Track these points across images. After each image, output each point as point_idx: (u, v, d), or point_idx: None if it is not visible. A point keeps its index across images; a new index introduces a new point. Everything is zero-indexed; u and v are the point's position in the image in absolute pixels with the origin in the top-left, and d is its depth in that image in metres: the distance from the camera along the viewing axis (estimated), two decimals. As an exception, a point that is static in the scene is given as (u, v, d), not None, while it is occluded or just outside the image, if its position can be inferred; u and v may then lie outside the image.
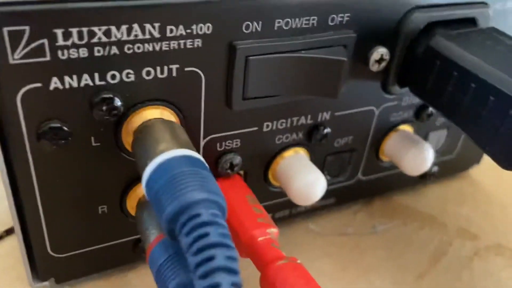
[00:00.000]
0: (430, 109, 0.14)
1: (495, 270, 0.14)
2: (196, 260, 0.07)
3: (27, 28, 0.08)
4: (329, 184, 0.14)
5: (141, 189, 0.11)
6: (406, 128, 0.15)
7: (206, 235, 0.07)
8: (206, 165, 0.09)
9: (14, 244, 0.13)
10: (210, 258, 0.07)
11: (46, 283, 0.12)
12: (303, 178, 0.12)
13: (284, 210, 0.14)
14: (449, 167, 0.17)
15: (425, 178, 0.16)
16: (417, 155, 0.14)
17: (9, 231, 0.14)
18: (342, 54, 0.11)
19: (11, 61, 0.08)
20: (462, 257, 0.15)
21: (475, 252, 0.15)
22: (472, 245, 0.15)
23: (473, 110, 0.11)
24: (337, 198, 0.15)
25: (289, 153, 0.13)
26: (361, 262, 0.14)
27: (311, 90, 0.11)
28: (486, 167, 0.18)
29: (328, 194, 0.15)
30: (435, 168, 0.16)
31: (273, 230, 0.11)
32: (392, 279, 0.13)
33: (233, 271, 0.07)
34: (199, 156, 0.09)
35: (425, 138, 0.15)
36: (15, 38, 0.08)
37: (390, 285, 0.13)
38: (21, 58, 0.08)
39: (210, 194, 0.08)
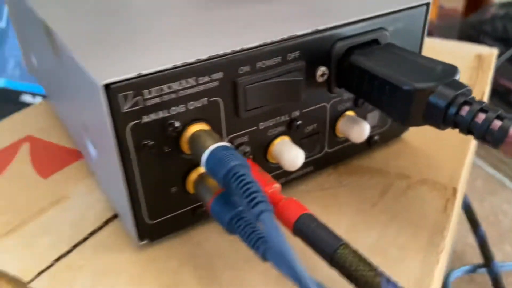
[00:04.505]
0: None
1: (421, 194, 0.21)
2: (247, 199, 0.13)
3: (130, 92, 0.15)
4: (307, 157, 0.21)
5: (193, 176, 0.17)
6: (350, 113, 0.21)
7: (248, 182, 0.14)
8: (234, 147, 0.15)
9: (115, 227, 0.19)
10: (255, 197, 0.13)
11: (145, 242, 0.18)
12: (290, 152, 0.18)
13: (281, 178, 0.21)
14: (386, 135, 0.23)
15: (371, 145, 0.23)
16: (358, 129, 0.20)
17: (108, 221, 0.20)
18: (299, 76, 0.18)
19: (122, 110, 0.15)
20: (400, 190, 0.21)
21: (408, 186, 0.21)
22: (406, 182, 0.22)
23: (379, 95, 0.18)
24: (314, 166, 0.22)
25: (277, 140, 0.19)
26: (336, 203, 0.20)
27: (285, 99, 0.18)
28: (413, 132, 0.24)
29: (307, 164, 0.21)
30: (377, 137, 0.23)
31: (277, 185, 0.17)
32: (356, 209, 0.20)
33: (267, 201, 0.13)
34: (228, 144, 0.15)
35: (365, 118, 0.22)
36: (124, 98, 0.15)
37: (355, 211, 0.20)
38: (127, 108, 0.15)
39: (241, 161, 0.14)
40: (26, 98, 0.74)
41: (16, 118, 0.29)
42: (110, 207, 0.20)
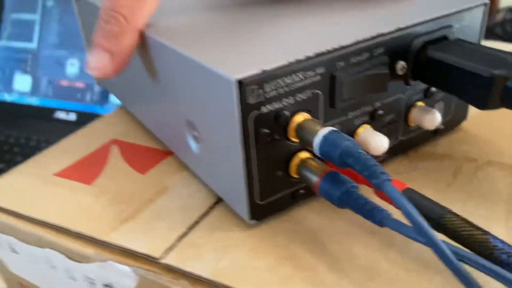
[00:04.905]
0: (432, 89, 0.23)
1: (490, 174, 0.23)
2: (367, 172, 0.15)
3: (255, 86, 0.17)
4: (383, 145, 0.23)
5: (296, 160, 0.20)
6: (420, 103, 0.23)
7: (366, 158, 0.16)
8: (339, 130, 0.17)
9: (220, 211, 0.21)
10: (375, 169, 0.15)
11: (254, 221, 0.20)
12: (376, 138, 0.21)
13: (362, 164, 0.23)
14: (449, 124, 0.25)
15: (437, 132, 0.25)
16: (431, 118, 0.22)
17: (212, 206, 0.22)
18: (384, 69, 0.20)
19: (249, 102, 0.17)
20: (470, 171, 0.23)
21: (477, 167, 0.23)
22: (474, 164, 0.24)
23: (457, 84, 0.20)
24: (389, 153, 0.24)
25: (361, 129, 0.21)
26: (414, 185, 0.22)
27: (373, 90, 0.20)
28: (471, 121, 0.26)
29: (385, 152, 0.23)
30: (442, 126, 0.25)
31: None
32: (433, 189, 0.22)
33: (385, 172, 0.15)
34: (336, 128, 0.17)
35: (432, 107, 0.24)
36: (251, 91, 0.17)
37: (433, 191, 0.22)
38: (252, 100, 0.17)
39: (352, 141, 0.17)
40: (60, 115, 0.77)
41: (96, 126, 0.31)
42: (210, 195, 0.22)
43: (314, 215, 0.21)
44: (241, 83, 0.17)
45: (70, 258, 0.21)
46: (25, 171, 0.26)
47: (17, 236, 0.22)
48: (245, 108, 0.17)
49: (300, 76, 0.18)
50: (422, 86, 0.23)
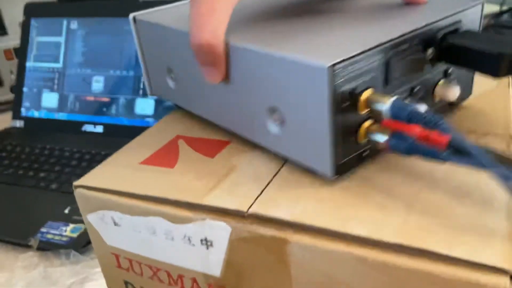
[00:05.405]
0: (449, 71, 0.29)
1: (489, 142, 0.29)
2: (431, 123, 0.21)
3: (340, 70, 0.22)
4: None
5: (363, 128, 0.25)
6: (442, 82, 0.30)
7: (427, 114, 0.22)
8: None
9: (283, 177, 0.27)
10: (437, 120, 0.21)
11: (336, 177, 0.25)
12: (420, 107, 0.26)
13: (403, 132, 0.29)
14: (459, 99, 0.32)
15: (452, 105, 0.31)
16: (454, 90, 0.29)
17: (275, 175, 0.27)
18: (420, 54, 0.26)
19: (335, 83, 0.23)
20: (472, 140, 0.29)
21: (477, 138, 0.30)
22: (475, 135, 0.30)
23: (475, 60, 0.26)
24: (420, 123, 0.30)
25: (403, 103, 0.27)
26: (444, 144, 0.28)
27: (414, 70, 0.26)
28: (473, 98, 0.33)
29: (417, 122, 0.29)
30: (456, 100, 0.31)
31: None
32: (461, 145, 0.28)
33: (444, 120, 0.21)
34: (397, 97, 0.23)
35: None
36: (337, 74, 0.22)
37: (461, 147, 0.28)
38: (337, 81, 0.23)
39: (412, 105, 0.22)
40: (88, 128, 0.80)
41: (158, 126, 0.36)
42: (272, 167, 0.27)
43: (377, 171, 0.26)
44: (331, 68, 0.22)
45: (171, 221, 0.25)
46: (112, 163, 0.31)
47: (121, 210, 0.27)
48: (332, 88, 0.23)
49: (368, 61, 0.24)
50: (442, 68, 0.29)
